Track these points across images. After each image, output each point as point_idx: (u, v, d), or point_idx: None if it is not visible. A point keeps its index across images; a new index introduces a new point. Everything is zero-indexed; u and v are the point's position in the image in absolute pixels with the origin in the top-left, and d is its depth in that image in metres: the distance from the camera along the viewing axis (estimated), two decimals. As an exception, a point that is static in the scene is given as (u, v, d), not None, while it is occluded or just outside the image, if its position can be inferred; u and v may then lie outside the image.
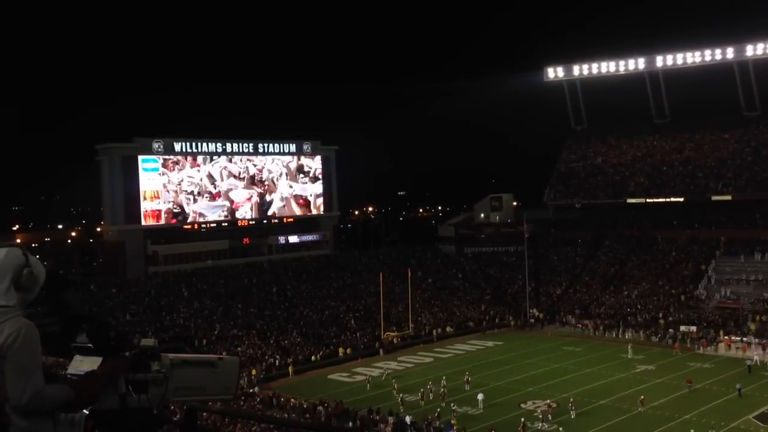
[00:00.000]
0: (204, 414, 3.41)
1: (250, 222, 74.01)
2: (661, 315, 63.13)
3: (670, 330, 59.52)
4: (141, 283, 63.16)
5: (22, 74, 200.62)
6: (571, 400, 41.06)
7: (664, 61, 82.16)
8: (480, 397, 42.52)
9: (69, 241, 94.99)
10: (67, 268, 66.92)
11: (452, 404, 41.43)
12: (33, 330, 2.84)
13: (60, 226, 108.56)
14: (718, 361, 51.66)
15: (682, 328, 59.65)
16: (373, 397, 44.34)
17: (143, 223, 66.59)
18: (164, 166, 68.07)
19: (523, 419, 37.59)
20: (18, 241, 79.35)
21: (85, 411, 2.93)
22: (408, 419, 38.54)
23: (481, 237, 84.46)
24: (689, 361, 52.19)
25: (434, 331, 62.91)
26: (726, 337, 56.24)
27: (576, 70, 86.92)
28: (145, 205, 66.80)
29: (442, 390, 44.34)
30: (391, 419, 38.61)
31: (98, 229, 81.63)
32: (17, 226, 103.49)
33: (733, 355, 53.34)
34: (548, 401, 41.70)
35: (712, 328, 58.70)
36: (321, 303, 65.51)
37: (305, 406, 41.70)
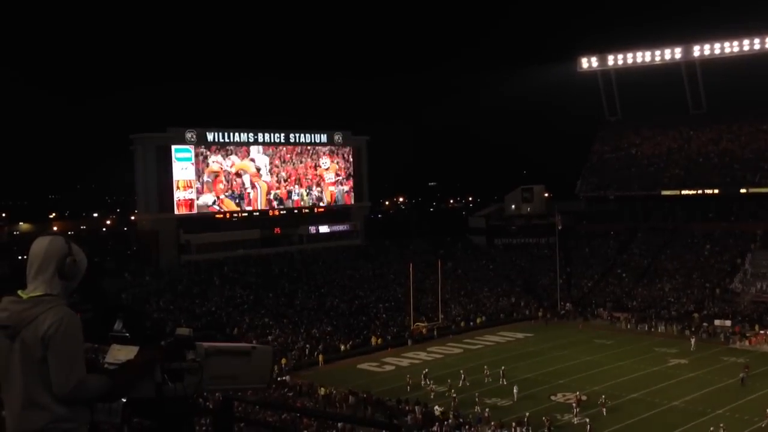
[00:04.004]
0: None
1: (281, 212, 74.42)
2: (694, 308, 62.29)
3: (704, 324, 58.72)
4: (174, 272, 63.91)
5: (58, 62, 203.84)
6: (603, 397, 40.21)
7: (701, 50, 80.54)
8: (515, 390, 42.31)
9: (104, 229, 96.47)
10: (102, 256, 67.86)
11: (476, 395, 41.38)
12: (75, 319, 2.89)
13: (95, 215, 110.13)
14: (754, 356, 50.81)
15: (717, 322, 58.81)
16: (403, 387, 44.39)
17: (176, 212, 67.40)
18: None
19: (544, 417, 36.96)
20: (55, 228, 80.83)
21: (122, 399, 2.98)
22: (437, 410, 38.55)
23: (512, 228, 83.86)
24: (723, 355, 51.43)
25: (462, 323, 62.83)
26: (762, 332, 55.32)
27: (611, 60, 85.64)
28: (178, 194, 67.55)
29: (465, 382, 44.57)
30: (417, 408, 38.67)
31: (132, 218, 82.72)
32: (53, 215, 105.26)
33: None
34: (578, 392, 41.30)
35: (747, 322, 57.80)
36: (351, 293, 65.73)
37: (335, 394, 41.94)
